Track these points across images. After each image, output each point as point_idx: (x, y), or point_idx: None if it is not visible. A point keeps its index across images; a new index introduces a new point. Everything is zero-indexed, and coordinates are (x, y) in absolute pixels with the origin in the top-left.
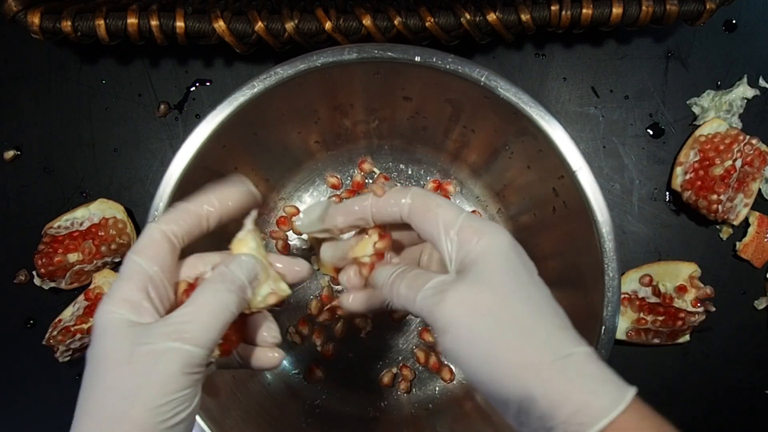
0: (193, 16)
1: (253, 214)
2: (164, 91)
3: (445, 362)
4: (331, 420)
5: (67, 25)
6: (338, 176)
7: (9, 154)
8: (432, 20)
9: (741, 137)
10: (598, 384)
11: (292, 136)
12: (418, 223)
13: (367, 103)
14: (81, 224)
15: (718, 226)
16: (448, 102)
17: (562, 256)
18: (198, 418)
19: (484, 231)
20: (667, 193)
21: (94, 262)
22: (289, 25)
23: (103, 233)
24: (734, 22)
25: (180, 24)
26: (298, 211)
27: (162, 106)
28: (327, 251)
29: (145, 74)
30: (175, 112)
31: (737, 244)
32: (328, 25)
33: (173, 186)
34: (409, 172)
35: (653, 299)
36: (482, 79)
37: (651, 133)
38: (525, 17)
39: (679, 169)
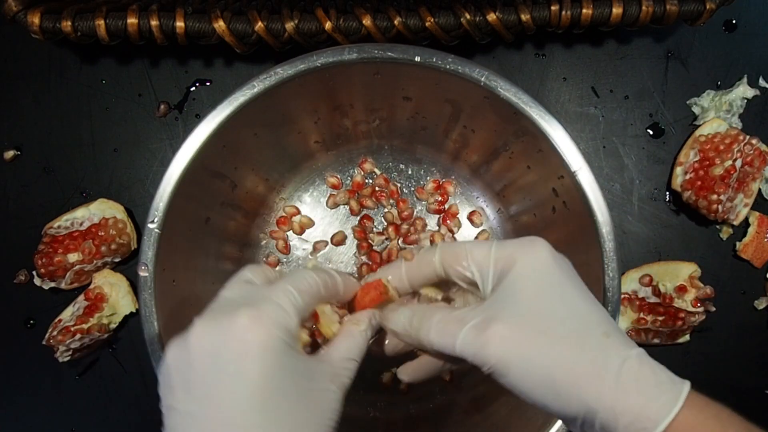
0: (193, 16)
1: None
2: (164, 91)
3: None
4: None
5: (67, 25)
6: (338, 176)
7: (9, 154)
8: (432, 20)
9: (741, 137)
10: (653, 386)
11: (292, 136)
12: (454, 275)
13: (367, 103)
14: (81, 224)
15: (718, 226)
16: (448, 102)
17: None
18: None
19: (517, 255)
20: (667, 193)
21: (94, 262)
22: (289, 25)
23: (103, 233)
24: (734, 22)
25: (180, 24)
26: (298, 211)
27: (162, 106)
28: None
29: (145, 74)
30: (175, 112)
31: (737, 244)
32: (328, 25)
33: (173, 186)
34: (409, 172)
35: (653, 299)
36: (482, 79)
37: (651, 133)
38: (525, 17)
39: (679, 169)
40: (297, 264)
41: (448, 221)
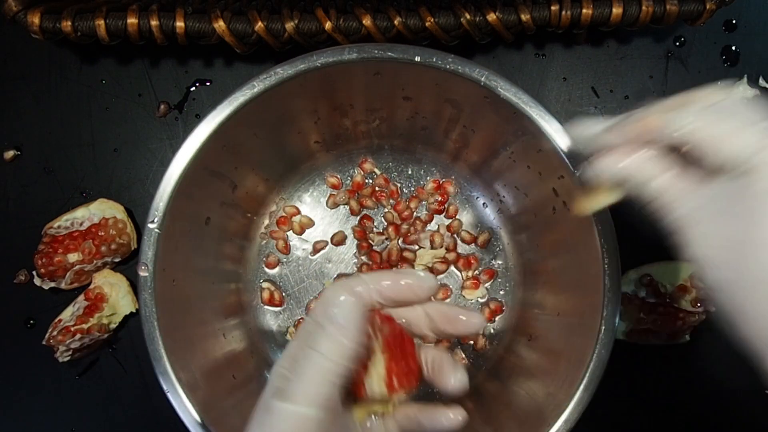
0: (193, 16)
1: None
2: (164, 91)
3: None
4: None
5: (67, 25)
6: (338, 176)
7: (9, 154)
8: (432, 20)
9: None
10: None
11: (292, 136)
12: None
13: (367, 103)
14: (81, 224)
15: None
16: (448, 102)
17: (562, 256)
18: (198, 417)
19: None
20: None
21: (94, 262)
22: (289, 25)
23: (103, 233)
24: (734, 22)
25: (180, 24)
26: (298, 211)
27: (162, 106)
28: None
29: (145, 74)
30: (175, 112)
31: None
32: (328, 25)
33: (173, 186)
34: (409, 172)
35: (653, 299)
36: (482, 79)
37: None
38: (525, 17)
39: None
40: (297, 264)
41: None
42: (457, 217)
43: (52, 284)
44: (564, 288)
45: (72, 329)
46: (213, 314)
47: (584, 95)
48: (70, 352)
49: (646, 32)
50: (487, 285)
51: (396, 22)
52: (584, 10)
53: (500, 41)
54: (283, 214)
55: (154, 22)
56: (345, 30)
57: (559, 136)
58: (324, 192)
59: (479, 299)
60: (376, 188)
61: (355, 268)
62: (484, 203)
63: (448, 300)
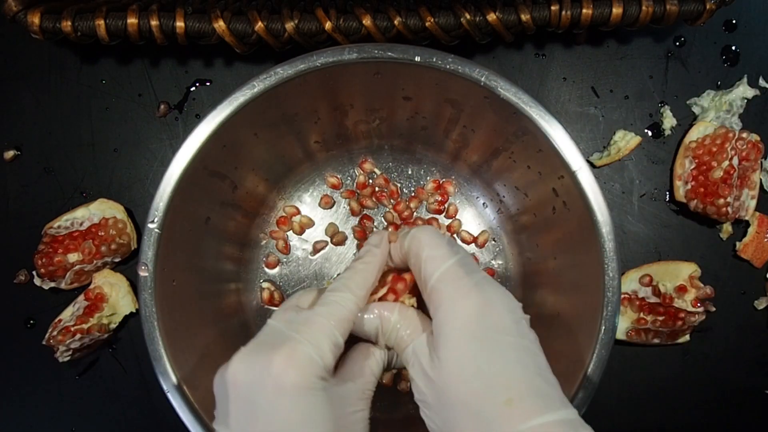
0: (193, 16)
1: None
2: (164, 91)
3: None
4: None
5: (67, 25)
6: (338, 176)
7: (9, 154)
8: (432, 20)
9: (731, 134)
10: None
11: (292, 135)
12: (413, 270)
13: (367, 103)
14: (81, 224)
15: (718, 226)
16: (448, 102)
17: (562, 256)
18: (198, 417)
19: (444, 299)
20: (667, 193)
21: (94, 262)
22: (289, 25)
23: (103, 233)
24: (734, 22)
25: (180, 24)
26: (298, 211)
27: (162, 106)
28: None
29: (145, 74)
30: (175, 112)
31: (737, 244)
32: (328, 25)
33: (173, 186)
34: (409, 172)
35: (653, 299)
36: (482, 79)
37: (651, 133)
38: (525, 17)
39: (678, 183)
40: (297, 264)
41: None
42: (457, 217)
43: (52, 284)
44: (564, 288)
45: (72, 329)
46: (213, 314)
47: (584, 95)
48: (70, 352)
49: (646, 32)
50: None
51: (396, 22)
52: (584, 10)
53: (500, 41)
54: (283, 214)
55: (154, 22)
56: (345, 30)
57: (559, 136)
58: (324, 192)
59: None
60: (376, 188)
61: None
62: (484, 203)
63: None
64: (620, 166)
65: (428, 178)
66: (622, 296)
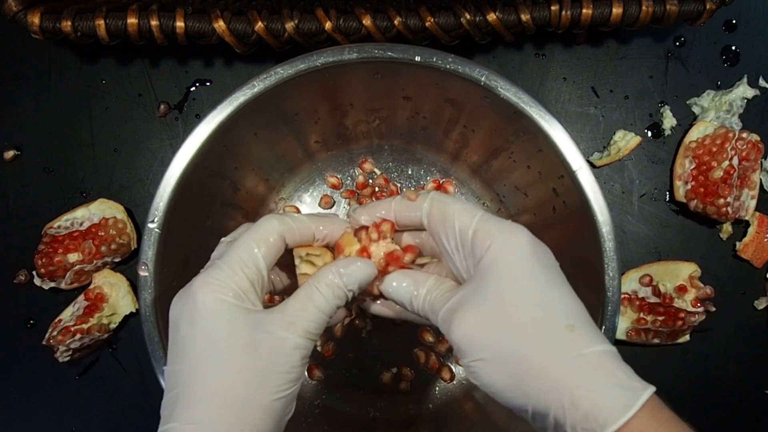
0: (193, 16)
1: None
2: (164, 91)
3: (445, 362)
4: (331, 420)
5: (67, 25)
6: (338, 176)
7: (9, 154)
8: (432, 20)
9: (731, 134)
10: (608, 387)
11: (292, 136)
12: (435, 231)
13: (367, 103)
14: (81, 224)
15: (718, 226)
16: (448, 102)
17: (562, 256)
18: None
19: (495, 235)
20: (667, 193)
21: (94, 262)
22: (289, 25)
23: (103, 233)
24: (734, 22)
25: (180, 24)
26: (299, 211)
27: (162, 106)
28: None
29: (145, 74)
30: (175, 112)
31: (737, 244)
32: (328, 25)
33: (173, 186)
34: (409, 172)
35: (653, 299)
36: (482, 79)
37: (651, 133)
38: (525, 17)
39: (678, 183)
40: None
41: None
42: None
43: (52, 284)
44: None
45: (72, 329)
46: None
47: (584, 95)
48: (70, 352)
49: (646, 32)
50: None
51: (396, 22)
52: (584, 10)
53: (500, 41)
54: None
55: (154, 22)
56: (345, 30)
57: (559, 136)
58: (324, 192)
59: None
60: (376, 188)
61: None
62: (484, 203)
63: None
64: (620, 166)
65: (428, 178)
66: (622, 296)
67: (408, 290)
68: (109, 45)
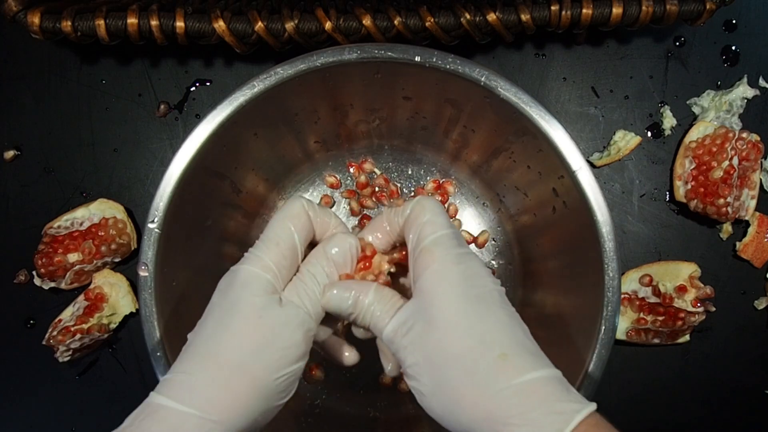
0: (193, 16)
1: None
2: (164, 91)
3: None
4: (331, 420)
5: (67, 25)
6: (338, 176)
7: (9, 154)
8: (432, 20)
9: (731, 134)
10: (540, 415)
11: (292, 136)
12: (405, 233)
13: (367, 103)
14: (81, 224)
15: (718, 226)
16: (448, 102)
17: (562, 256)
18: None
19: (436, 258)
20: (667, 192)
21: (94, 262)
22: (289, 25)
23: (103, 233)
24: (734, 22)
25: (180, 24)
26: None
27: (162, 106)
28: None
29: (145, 74)
30: (175, 112)
31: (737, 244)
32: (328, 25)
33: (173, 186)
34: (409, 172)
35: (653, 299)
36: (482, 79)
37: (651, 133)
38: (525, 17)
39: (678, 183)
40: None
41: None
42: (457, 217)
43: (52, 284)
44: (564, 288)
45: (72, 329)
46: None
47: (584, 95)
48: (70, 352)
49: (646, 32)
50: None
51: (396, 22)
52: (584, 10)
53: (500, 41)
54: None
55: (154, 22)
56: (345, 30)
57: (559, 136)
58: (324, 192)
59: None
60: (376, 188)
61: None
62: (484, 203)
63: None
64: (620, 166)
65: (428, 178)
66: (622, 296)
67: (345, 301)
68: (109, 45)
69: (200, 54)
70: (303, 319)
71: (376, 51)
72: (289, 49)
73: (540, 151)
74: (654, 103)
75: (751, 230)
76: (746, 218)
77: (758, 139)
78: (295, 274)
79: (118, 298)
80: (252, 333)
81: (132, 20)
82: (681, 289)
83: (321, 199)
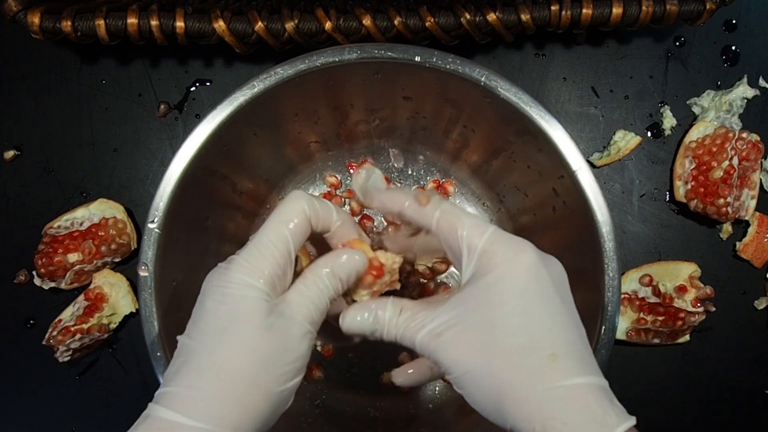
0: (193, 16)
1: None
2: (164, 91)
3: None
4: (331, 420)
5: (67, 25)
6: (338, 176)
7: (9, 154)
8: (432, 20)
9: (731, 134)
10: (582, 421)
11: (292, 136)
12: (444, 241)
13: (367, 103)
14: (81, 224)
15: (718, 226)
16: (448, 102)
17: (562, 256)
18: None
19: (501, 259)
20: (667, 192)
21: (94, 262)
22: (289, 25)
23: (103, 233)
24: (734, 22)
25: (180, 24)
26: None
27: (162, 106)
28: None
29: (145, 74)
30: (175, 112)
31: (737, 244)
32: (328, 25)
33: (173, 186)
34: (409, 172)
35: (653, 299)
36: (482, 79)
37: (651, 133)
38: (525, 17)
39: (678, 183)
40: None
41: None
42: None
43: (52, 284)
44: None
45: (72, 329)
46: None
47: (584, 95)
48: (70, 352)
49: (646, 32)
50: None
51: (396, 22)
52: (584, 10)
53: (500, 41)
54: None
55: (154, 22)
56: (345, 30)
57: (559, 136)
58: (324, 192)
59: None
60: None
61: None
62: (484, 203)
63: None
64: (620, 166)
65: (428, 178)
66: (622, 296)
67: (365, 321)
68: (109, 45)
69: (200, 54)
70: (307, 330)
71: (376, 51)
72: (289, 49)
73: (540, 151)
74: (654, 103)
75: (751, 230)
76: (746, 218)
77: (758, 139)
78: (293, 281)
79: (118, 298)
80: (262, 345)
81: (132, 20)
82: (681, 289)
83: (321, 197)
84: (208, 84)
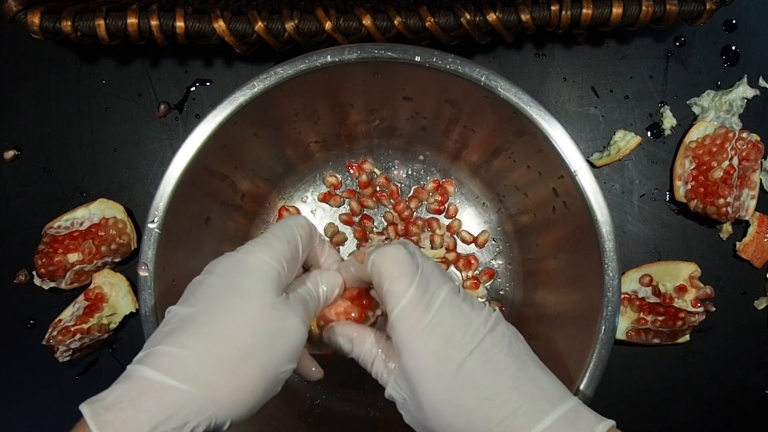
0: (193, 16)
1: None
2: (164, 91)
3: None
4: (331, 420)
5: (67, 25)
6: (338, 176)
7: (9, 154)
8: (432, 20)
9: (731, 134)
10: None
11: (292, 136)
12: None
13: (367, 103)
14: (81, 224)
15: (718, 226)
16: (448, 102)
17: (562, 256)
18: None
19: (404, 343)
20: (667, 192)
21: (94, 262)
22: (289, 25)
23: (103, 233)
24: (734, 22)
25: (180, 24)
26: (298, 211)
27: (162, 106)
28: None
29: (145, 74)
30: (175, 112)
31: (737, 244)
32: (328, 25)
33: (173, 186)
34: (409, 172)
35: (653, 299)
36: (482, 79)
37: (651, 133)
38: (525, 17)
39: (678, 183)
40: None
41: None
42: (457, 217)
43: (52, 284)
44: (564, 288)
45: (72, 329)
46: None
47: (584, 95)
48: (70, 352)
49: (646, 32)
50: (487, 285)
51: (396, 22)
52: (584, 10)
53: (500, 41)
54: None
55: (154, 22)
56: (345, 30)
57: (559, 136)
58: (324, 191)
59: (479, 299)
60: (377, 188)
61: None
62: (484, 203)
63: None
64: (620, 166)
65: (428, 178)
66: (622, 296)
67: (345, 344)
68: (109, 45)
69: (200, 54)
70: (307, 319)
71: (376, 51)
72: (289, 49)
73: (540, 151)
74: (654, 103)
75: (751, 230)
76: (746, 218)
77: (758, 139)
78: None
79: (118, 298)
80: (266, 322)
81: (132, 20)
82: (681, 289)
83: (321, 196)
84: (208, 84)
